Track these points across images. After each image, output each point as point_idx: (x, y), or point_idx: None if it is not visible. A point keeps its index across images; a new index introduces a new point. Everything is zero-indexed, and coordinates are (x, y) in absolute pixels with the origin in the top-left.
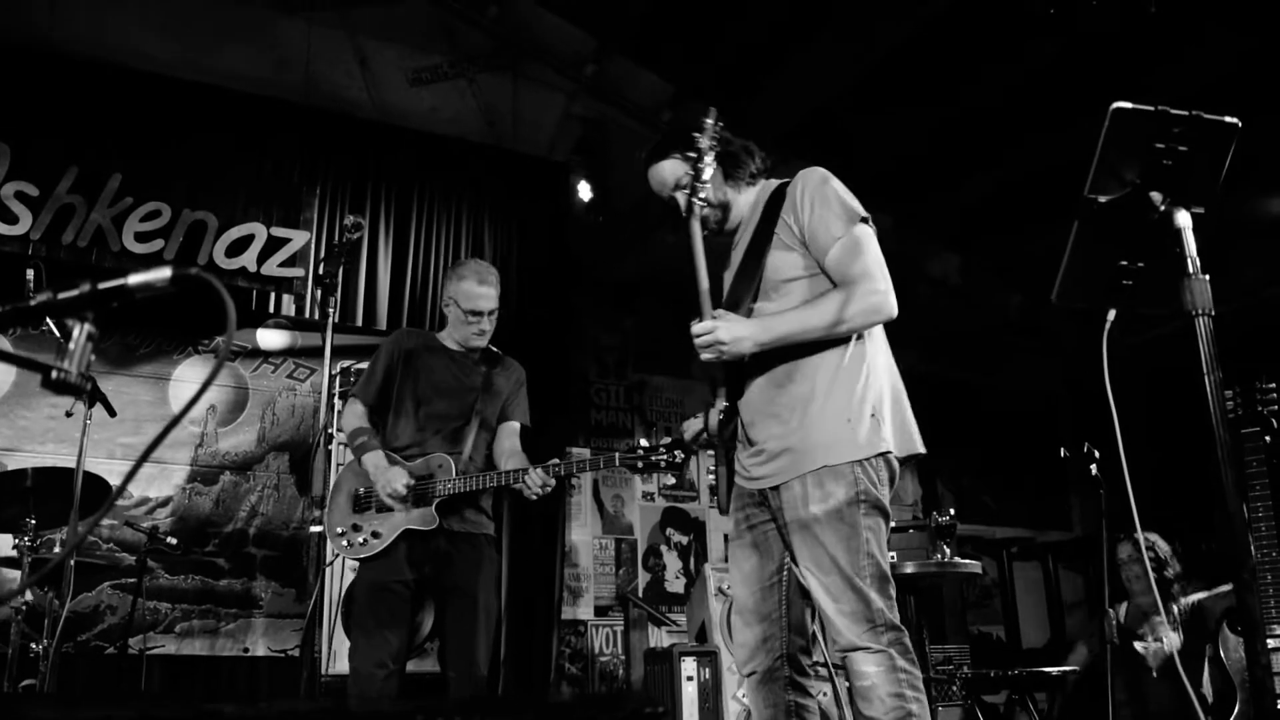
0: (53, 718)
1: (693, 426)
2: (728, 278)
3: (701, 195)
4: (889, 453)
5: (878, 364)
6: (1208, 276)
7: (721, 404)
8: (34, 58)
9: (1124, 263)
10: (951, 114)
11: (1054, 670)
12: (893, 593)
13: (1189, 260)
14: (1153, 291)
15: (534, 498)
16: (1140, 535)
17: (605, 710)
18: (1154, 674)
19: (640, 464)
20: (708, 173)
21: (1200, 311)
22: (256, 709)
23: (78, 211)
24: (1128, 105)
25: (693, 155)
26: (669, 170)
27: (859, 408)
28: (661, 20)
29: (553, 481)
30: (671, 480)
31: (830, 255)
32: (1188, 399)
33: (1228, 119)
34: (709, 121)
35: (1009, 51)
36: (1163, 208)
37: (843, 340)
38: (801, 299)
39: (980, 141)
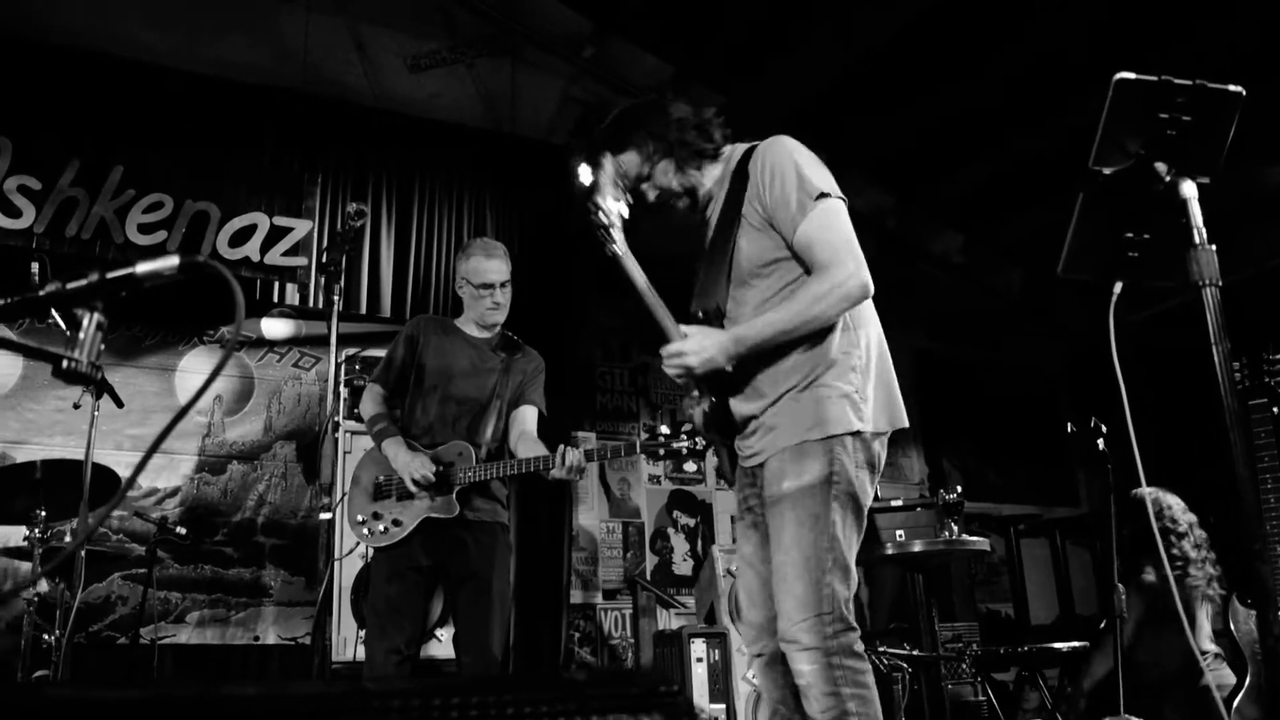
0: (71, 697)
1: (695, 414)
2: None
3: (613, 248)
4: (867, 432)
5: (861, 339)
6: (1214, 246)
7: (709, 400)
8: (33, 50)
9: (1129, 234)
10: (955, 93)
11: (1063, 646)
12: (851, 585)
13: (1195, 230)
14: (1159, 263)
15: (560, 475)
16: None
17: (620, 688)
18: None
19: (661, 451)
20: (614, 212)
21: (1207, 281)
22: (277, 688)
23: (80, 204)
24: (1131, 76)
25: (591, 205)
26: (627, 163)
27: (839, 385)
28: (661, 1)
29: (584, 464)
30: (694, 467)
31: (796, 238)
32: (1193, 374)
33: (1231, 87)
34: (607, 166)
35: (1013, 31)
36: (1168, 178)
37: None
38: (779, 285)
39: (983, 121)
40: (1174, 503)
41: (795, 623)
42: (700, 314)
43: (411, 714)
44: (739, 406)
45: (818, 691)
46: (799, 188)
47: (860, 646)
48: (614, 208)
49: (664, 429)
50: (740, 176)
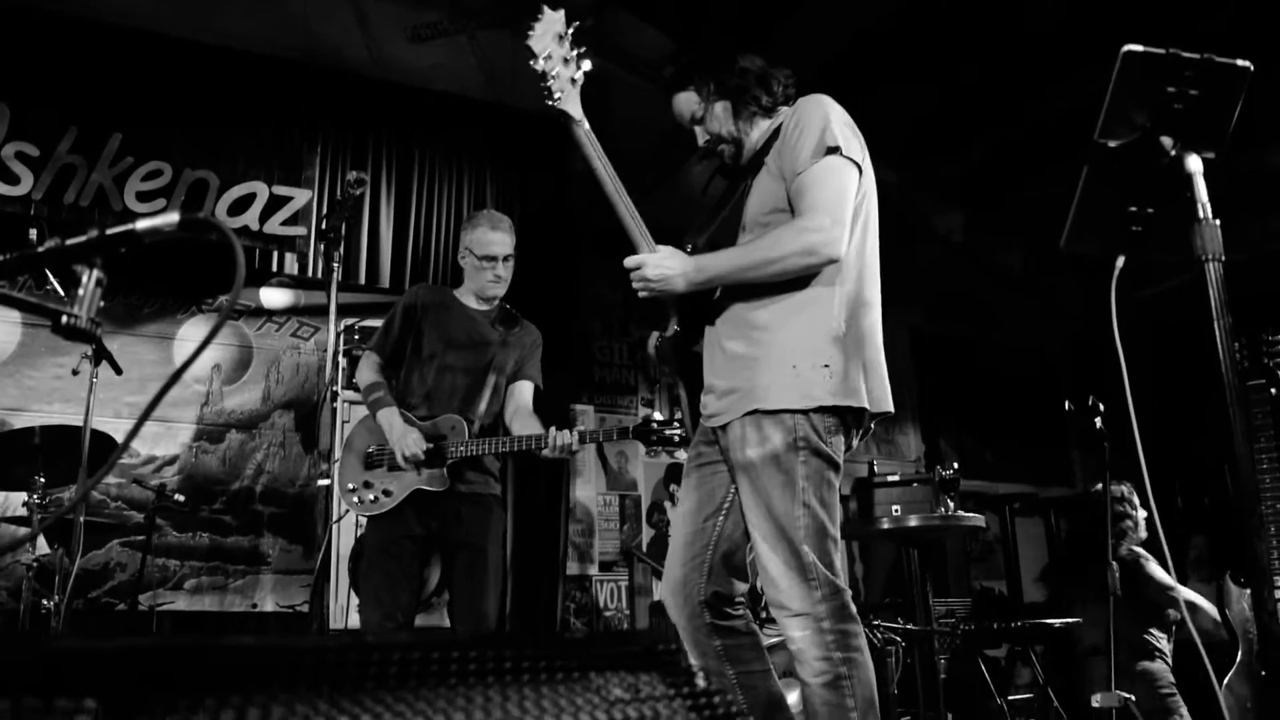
0: (77, 646)
1: (650, 342)
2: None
3: (557, 96)
4: (835, 406)
5: (846, 313)
6: (1219, 222)
7: (673, 328)
8: (32, 17)
9: (1133, 208)
10: (959, 69)
11: (1055, 622)
12: (833, 548)
13: (1200, 205)
14: (1162, 238)
15: (555, 453)
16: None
17: (619, 647)
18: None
19: (654, 438)
20: (561, 74)
21: (1210, 256)
22: (279, 641)
23: (79, 171)
24: (1139, 48)
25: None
26: (684, 102)
27: (810, 356)
28: None
29: (577, 445)
30: (683, 455)
31: (792, 188)
32: (1191, 354)
33: (1240, 62)
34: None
35: (1014, 8)
36: (1173, 152)
37: (807, 281)
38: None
39: (987, 97)
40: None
41: (781, 590)
42: (689, 247)
43: (411, 667)
44: (710, 365)
45: (810, 656)
46: (816, 139)
47: (852, 609)
48: (560, 69)
49: (657, 415)
50: (779, 130)
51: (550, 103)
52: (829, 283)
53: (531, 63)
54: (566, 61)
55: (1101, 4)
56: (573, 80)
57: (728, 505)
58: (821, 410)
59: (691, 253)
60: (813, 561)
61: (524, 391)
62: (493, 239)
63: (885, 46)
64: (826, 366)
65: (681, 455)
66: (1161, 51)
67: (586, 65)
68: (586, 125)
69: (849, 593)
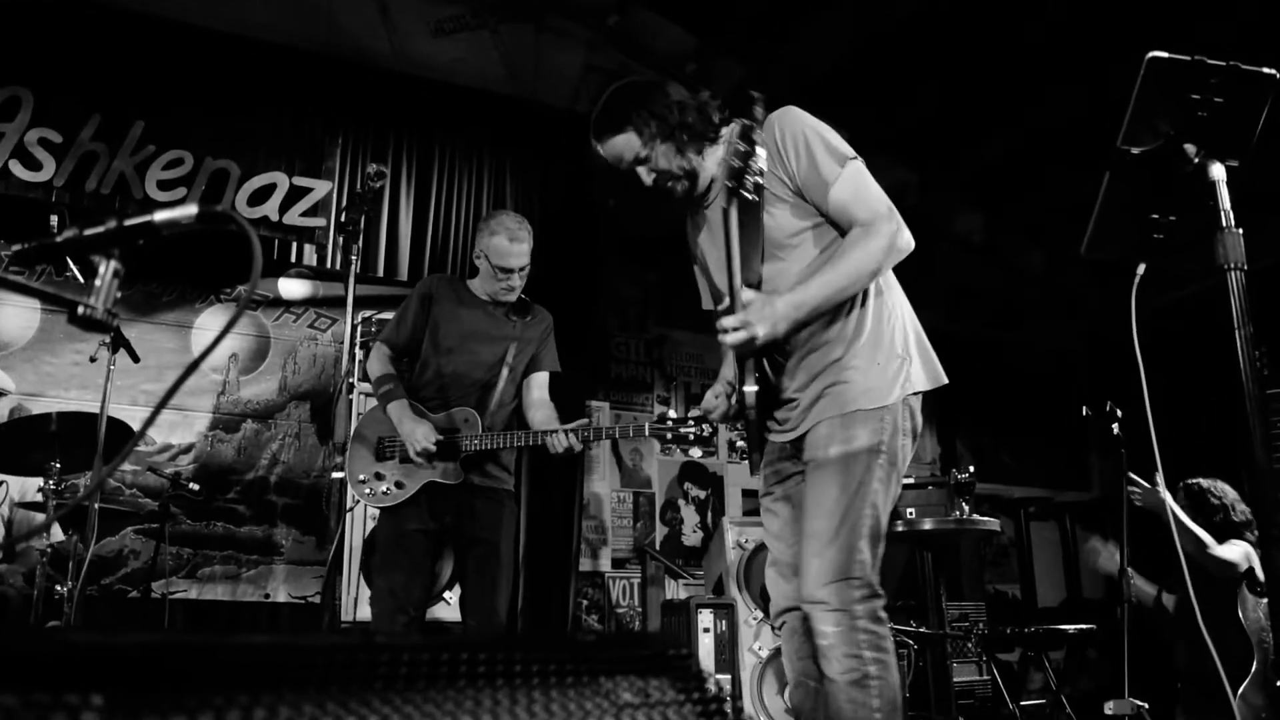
0: (91, 641)
1: (719, 406)
2: (704, 240)
3: (750, 180)
4: (919, 391)
5: (897, 301)
6: (1241, 230)
7: (755, 375)
8: (58, 4)
9: (1155, 215)
10: (979, 68)
11: (1070, 628)
12: (880, 554)
13: (1223, 213)
14: (1183, 245)
15: (557, 453)
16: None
17: (630, 650)
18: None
19: (669, 435)
20: (760, 161)
21: (1233, 265)
22: (290, 639)
23: (100, 159)
24: (1164, 54)
25: (744, 150)
26: (621, 145)
27: (888, 349)
28: None
29: (579, 446)
30: (699, 453)
31: (831, 203)
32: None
33: (1266, 70)
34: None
35: (1036, 7)
36: (1197, 160)
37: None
38: (813, 253)
39: (1008, 96)
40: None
41: (822, 584)
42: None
43: (421, 668)
44: (785, 381)
45: (840, 653)
46: (827, 153)
47: (884, 614)
48: (655, 151)
49: (672, 413)
50: (746, 149)
51: (742, 192)
52: (877, 288)
53: (750, 162)
54: (740, 156)
55: (1124, 4)
56: (748, 176)
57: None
58: (903, 401)
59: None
60: (863, 560)
61: (540, 382)
62: (511, 251)
63: (906, 44)
64: (901, 356)
65: (696, 453)
66: (1187, 58)
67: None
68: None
69: (884, 599)
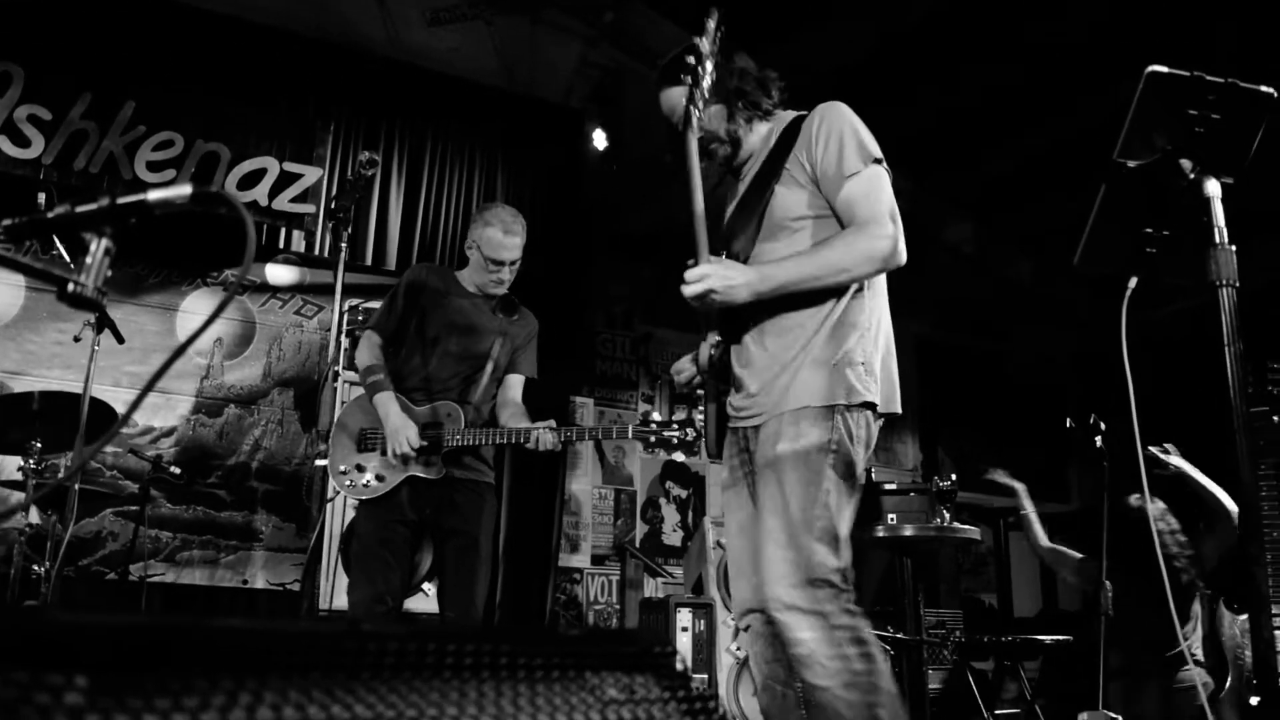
0: (75, 621)
1: (685, 369)
2: (732, 213)
3: (699, 105)
4: (873, 405)
5: (875, 316)
6: (1234, 247)
7: (714, 338)
8: None
9: (1149, 230)
10: (978, 79)
11: (1046, 639)
12: (844, 553)
13: (1216, 230)
14: (1175, 260)
15: (538, 450)
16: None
17: (615, 647)
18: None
19: (653, 438)
20: (708, 80)
21: (1225, 282)
22: (273, 624)
23: (90, 138)
24: (1163, 69)
25: (690, 61)
26: (675, 98)
27: (848, 355)
28: None
29: (559, 445)
30: (681, 458)
31: (840, 196)
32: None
33: (1263, 88)
34: (710, 24)
35: (1048, 11)
36: (1192, 175)
37: (844, 287)
38: (808, 242)
39: (1005, 109)
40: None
41: (788, 586)
42: (725, 255)
43: (408, 658)
44: (742, 363)
45: (822, 657)
46: (856, 148)
47: (856, 607)
48: (708, 78)
49: (656, 415)
50: (789, 135)
51: (690, 104)
52: (861, 288)
53: (690, 58)
54: (709, 72)
55: (1121, 21)
56: (706, 91)
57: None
58: (862, 407)
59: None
60: (821, 561)
61: (515, 385)
62: (504, 243)
63: (906, 53)
64: (863, 364)
65: (680, 456)
66: (1185, 74)
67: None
68: (698, 134)
69: (852, 593)
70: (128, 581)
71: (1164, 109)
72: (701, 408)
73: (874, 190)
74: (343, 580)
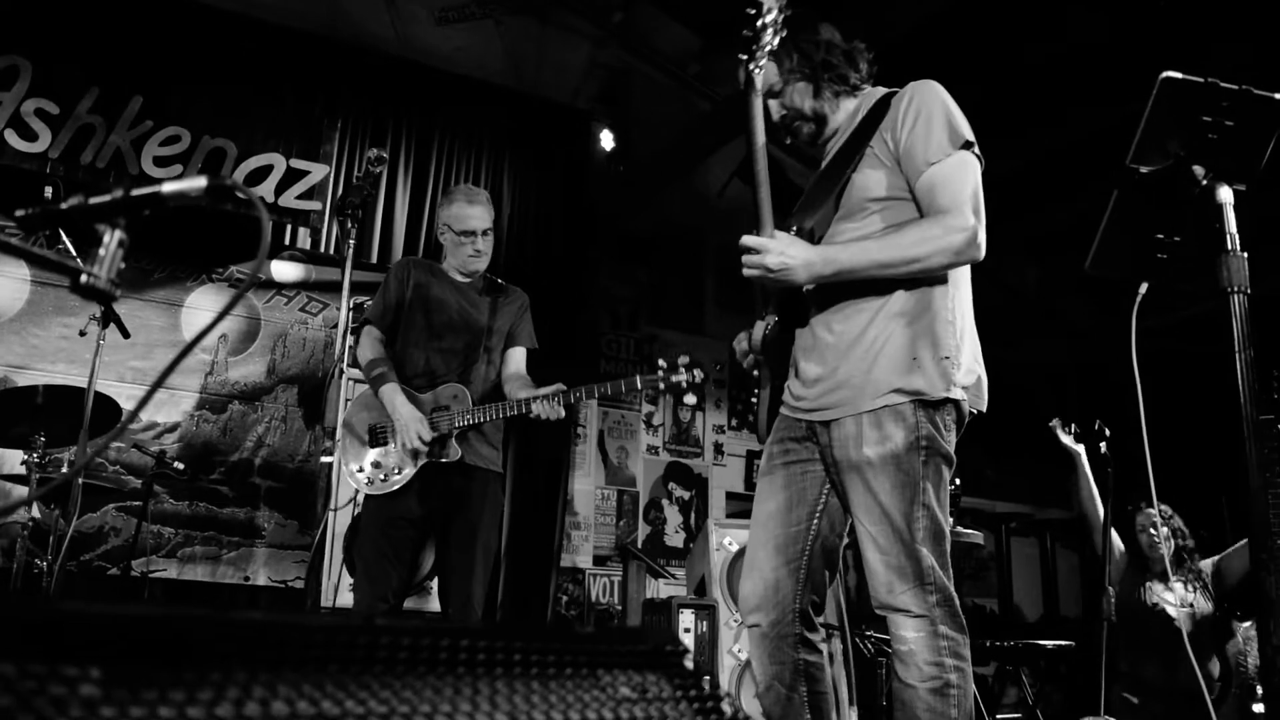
0: (90, 612)
1: (744, 341)
2: (763, 178)
3: (759, 64)
4: (958, 400)
5: (957, 305)
6: (1246, 254)
7: (772, 318)
8: None
9: (1160, 236)
10: (979, 85)
11: (1048, 644)
12: (947, 550)
13: (1229, 236)
14: (1186, 266)
15: (544, 418)
16: (1158, 506)
17: (627, 645)
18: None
19: (661, 384)
20: (769, 36)
21: (1237, 288)
22: (290, 616)
23: (97, 132)
24: (1177, 75)
25: (751, 13)
26: (771, 71)
27: (930, 348)
28: None
29: (562, 411)
30: (692, 400)
31: (921, 179)
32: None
33: (1277, 95)
34: None
35: (1041, 29)
36: (1204, 182)
37: (922, 276)
38: (885, 225)
39: (1004, 118)
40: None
41: (898, 593)
42: (795, 229)
43: (421, 653)
44: (806, 350)
45: (921, 660)
46: (946, 129)
47: (962, 617)
48: (769, 37)
49: (661, 362)
50: (877, 112)
51: (751, 65)
52: (944, 276)
53: (751, 10)
54: (772, 32)
55: (1124, 31)
56: (770, 51)
57: (822, 505)
58: (946, 403)
59: (797, 236)
60: (930, 565)
61: (517, 358)
62: (470, 213)
63: (912, 55)
64: (947, 359)
65: (690, 400)
66: (1199, 80)
67: (775, 43)
68: (761, 95)
69: (957, 601)
70: (130, 577)
71: (1177, 115)
72: (755, 390)
73: (959, 176)
74: (345, 579)
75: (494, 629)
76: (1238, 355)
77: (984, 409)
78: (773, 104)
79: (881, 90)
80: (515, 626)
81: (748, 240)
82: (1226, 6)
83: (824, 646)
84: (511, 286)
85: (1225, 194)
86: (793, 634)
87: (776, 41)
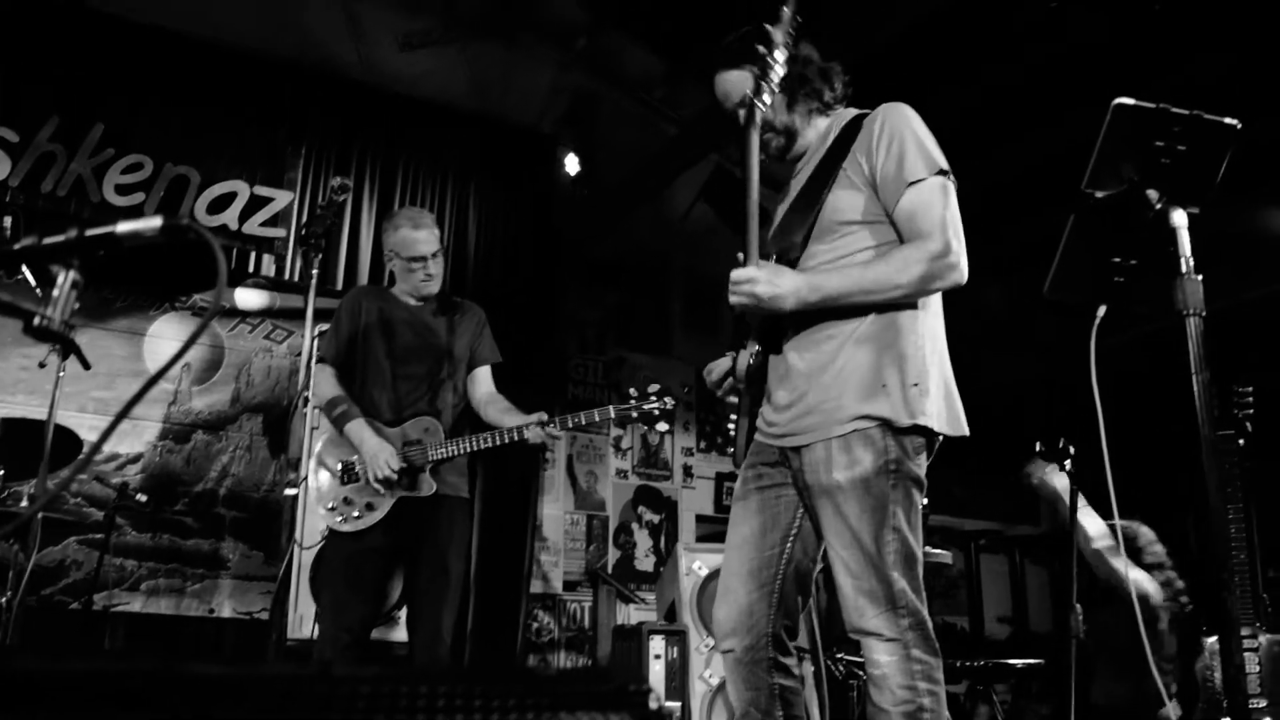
0: (42, 669)
1: (719, 367)
2: (780, 211)
3: (765, 98)
4: (928, 428)
5: (928, 332)
6: (1200, 276)
7: (754, 347)
8: (19, 2)
9: (1117, 259)
10: (942, 105)
11: (1017, 662)
12: (919, 574)
13: (1183, 259)
14: (1141, 288)
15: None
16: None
17: (590, 686)
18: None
19: (635, 414)
20: (777, 70)
21: (1191, 311)
22: (245, 668)
23: (58, 160)
24: (1130, 101)
25: (760, 49)
26: (735, 81)
27: (900, 374)
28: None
29: (559, 434)
30: (664, 427)
31: (900, 204)
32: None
33: (1227, 120)
34: (786, 10)
35: (999, 52)
36: (1159, 206)
37: (895, 302)
38: (859, 247)
39: (967, 138)
40: (1149, 533)
41: (870, 617)
42: (775, 256)
43: (380, 701)
44: (779, 376)
45: (894, 684)
46: (921, 155)
47: (935, 640)
48: (778, 69)
49: (632, 390)
50: (849, 133)
51: (756, 96)
52: (914, 301)
53: (761, 45)
54: (780, 61)
55: (1088, 50)
56: (774, 83)
57: (795, 530)
58: (913, 430)
59: (777, 261)
60: (902, 589)
61: (484, 377)
62: (417, 238)
63: (875, 78)
64: (916, 385)
65: (662, 428)
66: (1151, 106)
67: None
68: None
69: (930, 624)
70: (91, 611)
71: (1131, 140)
72: (733, 418)
73: (938, 202)
74: (309, 609)
75: (452, 673)
76: (1194, 377)
77: (965, 432)
78: (742, 114)
79: (853, 111)
80: (474, 670)
81: (738, 273)
82: (1204, 20)
83: (798, 670)
84: (465, 302)
85: (1179, 217)
86: (767, 658)
87: (778, 72)
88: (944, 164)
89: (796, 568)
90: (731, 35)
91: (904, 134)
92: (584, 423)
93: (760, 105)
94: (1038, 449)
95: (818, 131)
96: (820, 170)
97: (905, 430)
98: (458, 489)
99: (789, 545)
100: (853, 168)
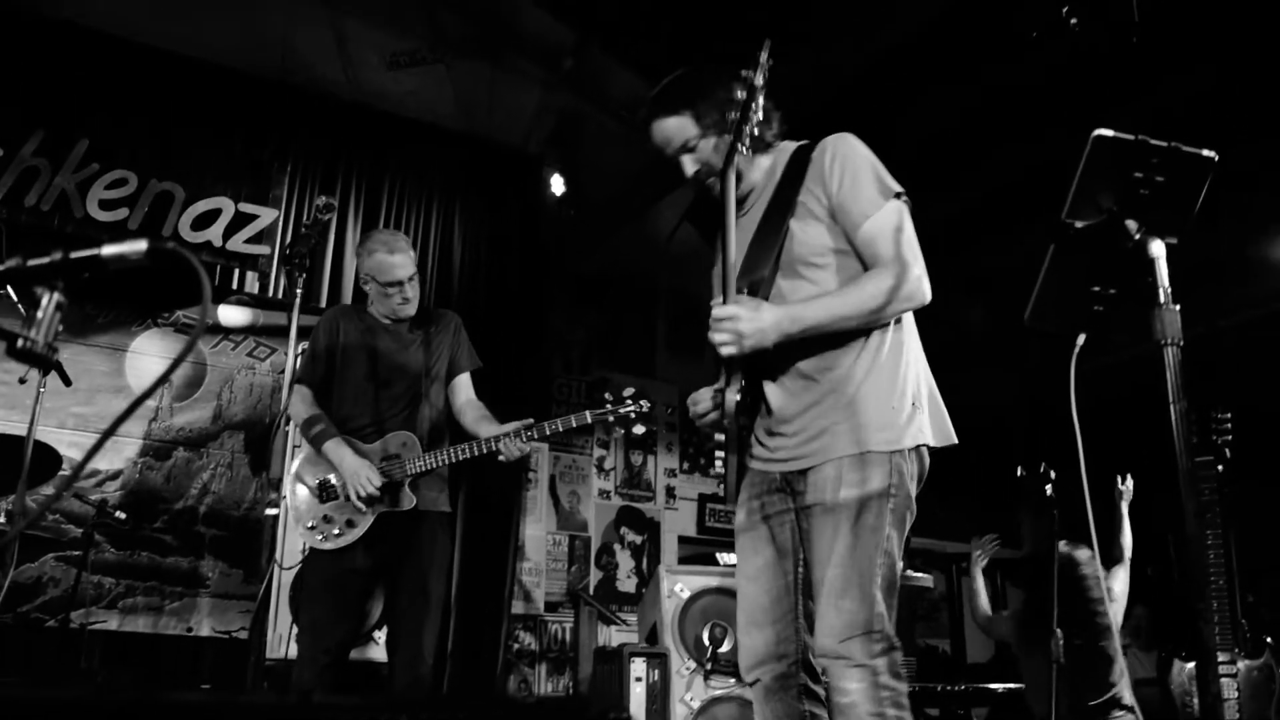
0: (22, 697)
1: (704, 401)
2: (741, 247)
3: (745, 143)
4: (926, 445)
5: (914, 350)
6: (1178, 306)
7: (740, 381)
8: (3, 16)
9: (1096, 288)
10: (917, 129)
11: (998, 687)
12: (895, 601)
13: (1161, 289)
14: (1120, 317)
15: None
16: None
17: (571, 714)
18: None
19: (611, 418)
20: (757, 117)
21: (1170, 341)
22: (224, 696)
23: (42, 175)
24: (1109, 133)
25: (741, 95)
26: (674, 128)
27: (901, 394)
28: (641, 17)
29: (528, 448)
30: (641, 430)
31: (861, 233)
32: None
33: (1205, 152)
34: (763, 56)
35: (970, 73)
36: (1137, 236)
37: (878, 325)
38: (832, 281)
39: (946, 158)
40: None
41: (843, 639)
42: (747, 290)
43: None
44: (775, 403)
45: (863, 711)
46: (875, 182)
47: (903, 669)
48: (704, 143)
49: (607, 394)
50: (797, 166)
51: (736, 141)
52: (906, 324)
53: (741, 92)
54: (759, 107)
55: (1069, 69)
56: (754, 128)
57: (803, 554)
58: (917, 448)
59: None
60: (880, 613)
61: (464, 386)
62: (394, 262)
63: (858, 98)
64: (914, 403)
65: (639, 430)
66: (1130, 137)
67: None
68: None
69: (901, 651)
70: (68, 629)
71: (1110, 171)
72: (721, 454)
73: (899, 228)
74: (289, 629)
75: (435, 702)
76: (1172, 406)
77: (955, 440)
78: (686, 160)
79: (793, 144)
80: (454, 698)
81: (720, 311)
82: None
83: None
84: (439, 310)
85: (1157, 248)
86: (797, 685)
87: (758, 118)
88: (897, 187)
89: (809, 591)
90: (665, 80)
91: (856, 162)
92: (560, 429)
93: (741, 148)
94: (1019, 474)
95: (762, 170)
96: (774, 206)
97: (907, 452)
98: (438, 503)
99: (801, 570)
100: (810, 200)
